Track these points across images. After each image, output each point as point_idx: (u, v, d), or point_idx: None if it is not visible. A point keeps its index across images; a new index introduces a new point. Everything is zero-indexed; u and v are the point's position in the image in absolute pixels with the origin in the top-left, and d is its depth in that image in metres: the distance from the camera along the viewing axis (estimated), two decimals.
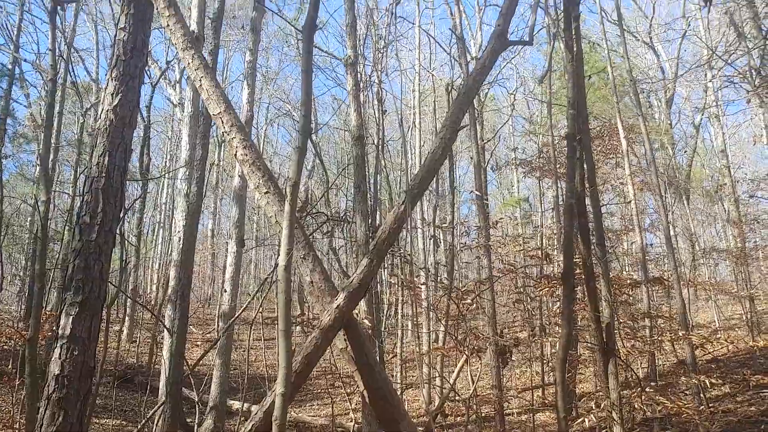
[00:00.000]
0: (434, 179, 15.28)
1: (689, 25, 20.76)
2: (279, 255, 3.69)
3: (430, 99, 23.89)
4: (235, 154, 3.90)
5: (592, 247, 6.91)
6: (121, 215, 5.58)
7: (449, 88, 16.73)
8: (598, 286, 7.20)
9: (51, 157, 15.03)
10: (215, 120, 3.96)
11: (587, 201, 6.92)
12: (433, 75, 22.44)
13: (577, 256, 7.37)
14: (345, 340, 3.86)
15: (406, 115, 25.23)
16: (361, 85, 11.65)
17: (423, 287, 14.34)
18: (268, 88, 26.88)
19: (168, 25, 4.08)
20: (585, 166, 6.42)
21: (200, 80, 3.94)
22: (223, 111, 3.89)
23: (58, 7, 7.45)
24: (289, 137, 32.68)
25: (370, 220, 9.62)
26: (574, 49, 5.75)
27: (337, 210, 19.13)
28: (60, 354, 4.64)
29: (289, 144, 32.97)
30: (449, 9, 15.98)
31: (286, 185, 3.72)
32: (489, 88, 21.44)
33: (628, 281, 10.72)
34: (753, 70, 13.64)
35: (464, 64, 13.83)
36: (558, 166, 13.81)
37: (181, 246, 10.09)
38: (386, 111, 16.09)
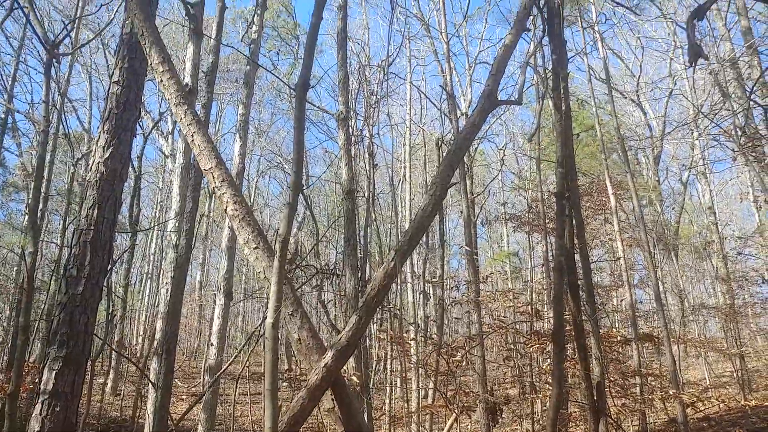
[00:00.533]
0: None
1: (675, 84, 21.19)
2: (267, 309, 3.65)
3: (420, 153, 24.12)
4: (226, 210, 3.88)
5: (582, 304, 6.89)
6: (109, 268, 5.53)
7: (439, 142, 16.90)
8: (589, 344, 7.16)
9: (40, 206, 14.97)
10: (206, 175, 3.96)
11: (577, 258, 6.93)
12: (423, 130, 22.71)
13: (567, 313, 7.34)
14: (332, 399, 3.78)
15: (396, 169, 25.42)
16: (353, 139, 11.75)
17: (412, 342, 14.21)
18: (260, 140, 27.08)
19: (162, 81, 4.12)
20: (574, 223, 6.45)
21: (192, 135, 3.95)
22: (215, 166, 3.89)
23: (54, 60, 7.51)
24: (280, 189, 32.81)
25: (359, 274, 9.57)
26: (563, 108, 5.83)
27: (327, 262, 19.07)
28: (41, 410, 4.54)
29: (279, 196, 33.07)
30: (440, 66, 16.27)
31: (276, 240, 3.70)
32: (479, 143, 21.70)
33: (619, 338, 10.67)
34: (738, 129, 13.86)
35: (454, 119, 14.00)
36: (547, 221, 13.88)
37: (168, 298, 9.98)
38: (377, 164, 16.21)
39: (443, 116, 18.74)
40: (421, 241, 22.16)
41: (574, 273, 6.55)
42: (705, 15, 6.20)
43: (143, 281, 28.57)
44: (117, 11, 10.89)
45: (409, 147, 22.16)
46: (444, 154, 15.94)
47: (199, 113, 9.61)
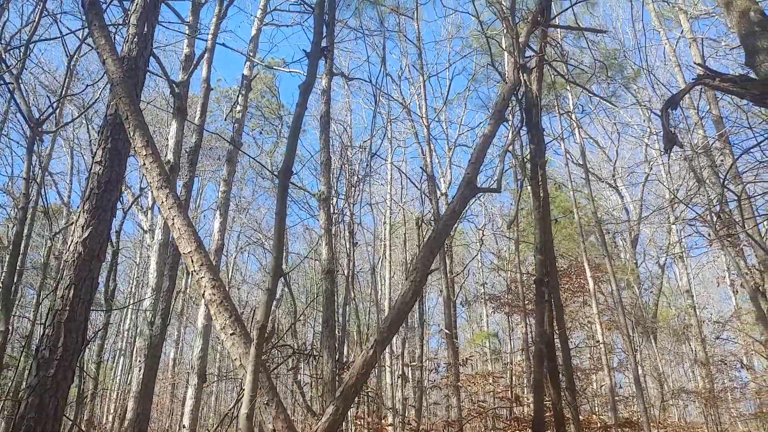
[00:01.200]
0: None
1: (651, 169, 21.66)
2: (242, 396, 3.56)
3: (400, 231, 24.23)
4: (203, 294, 3.84)
5: (562, 390, 6.82)
6: (83, 348, 5.41)
7: (419, 222, 17.01)
8: (569, 431, 7.05)
9: (14, 280, 14.72)
10: (185, 258, 3.93)
11: (557, 341, 6.90)
12: (403, 209, 22.87)
13: (547, 399, 7.26)
14: None
15: (376, 247, 25.45)
16: (334, 219, 11.80)
17: (390, 428, 13.88)
18: (240, 216, 27.11)
19: (144, 164, 4.14)
20: (553, 308, 6.45)
21: (173, 219, 3.95)
22: (194, 250, 3.87)
23: (37, 138, 7.55)
24: (259, 265, 32.59)
25: (337, 356, 9.43)
26: (541, 195, 5.92)
27: (304, 342, 18.80)
28: None
29: (258, 272, 32.81)
30: (420, 148, 16.55)
31: (253, 326, 3.65)
32: (459, 223, 21.85)
33: (599, 424, 10.54)
34: (713, 215, 14.11)
35: (434, 200, 14.15)
36: (526, 302, 13.88)
37: (141, 378, 9.74)
38: (357, 243, 16.22)
39: (423, 196, 18.94)
40: None
41: (554, 359, 6.51)
42: (678, 104, 6.41)
43: (116, 358, 27.91)
44: (103, 90, 11.00)
45: (390, 226, 22.28)
46: (424, 233, 16.05)
47: (180, 192, 9.64)
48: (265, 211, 29.72)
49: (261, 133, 22.85)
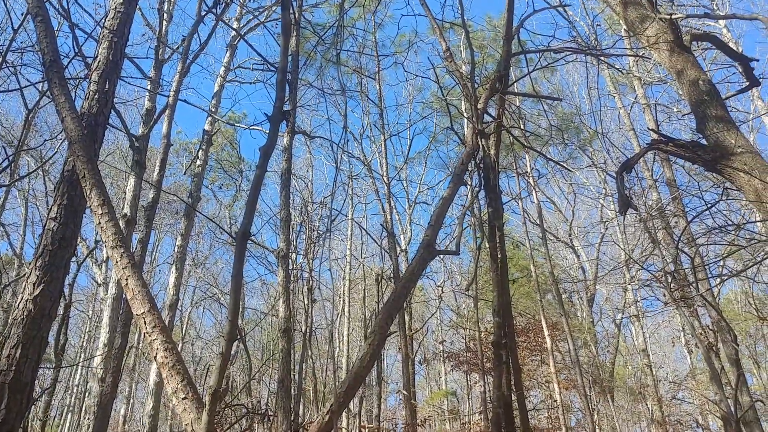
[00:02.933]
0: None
1: (607, 229, 22.08)
2: None
3: (359, 287, 24.14)
4: (155, 357, 3.76)
5: None
6: (28, 410, 5.22)
7: (379, 278, 16.99)
8: None
9: None
10: (138, 319, 3.86)
11: (515, 404, 6.88)
12: (363, 264, 22.85)
13: None
14: None
15: (335, 302, 25.26)
16: (293, 276, 11.72)
17: None
18: (197, 270, 26.70)
19: (100, 223, 4.09)
20: (512, 370, 6.45)
21: (127, 279, 3.89)
22: (147, 311, 3.81)
23: None
24: (214, 320, 32.01)
25: (292, 416, 9.24)
26: (499, 257, 5.99)
27: (259, 401, 18.41)
28: None
29: (213, 327, 32.19)
30: (381, 205, 16.66)
31: (206, 391, 3.58)
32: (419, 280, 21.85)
33: None
34: (668, 275, 14.39)
35: (394, 257, 14.18)
36: (485, 361, 13.86)
37: None
38: (316, 300, 16.10)
39: (383, 252, 18.98)
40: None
41: (512, 422, 6.48)
42: (633, 167, 6.60)
43: (63, 414, 26.86)
44: (62, 144, 10.89)
45: (349, 281, 22.22)
46: (383, 289, 16.02)
47: (135, 247, 9.51)
48: (222, 266, 29.37)
49: (221, 187, 22.77)
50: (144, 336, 4.05)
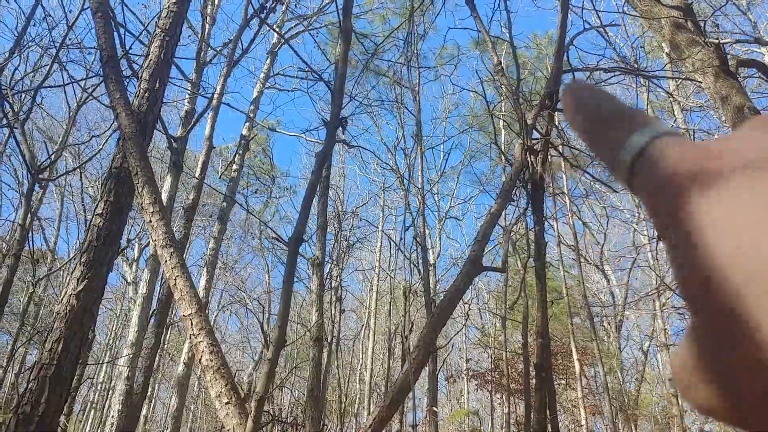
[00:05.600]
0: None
1: (638, 254, 21.76)
2: None
3: (385, 299, 24.04)
4: (200, 359, 3.71)
5: None
6: (66, 404, 5.21)
7: (407, 292, 16.87)
8: None
9: None
10: (184, 320, 3.82)
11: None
12: (391, 277, 22.74)
13: None
14: None
15: (360, 314, 25.19)
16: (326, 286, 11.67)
17: None
18: (226, 274, 26.81)
19: (150, 221, 4.07)
20: (546, 394, 6.33)
21: (175, 279, 3.85)
22: (194, 313, 3.77)
23: (38, 184, 7.47)
24: (239, 325, 32.09)
25: (320, 427, 9.15)
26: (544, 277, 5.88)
27: (281, 408, 18.36)
28: None
29: (238, 331, 32.29)
30: (412, 218, 16.55)
31: (252, 397, 3.53)
32: None
33: None
34: None
35: (425, 270, 14.07)
36: (510, 381, 13.68)
37: None
38: (345, 310, 16.04)
39: (411, 266, 18.88)
40: (379, 391, 21.56)
41: None
42: None
43: (87, 410, 27.06)
44: (107, 142, 11.01)
45: (376, 294, 22.12)
46: (410, 303, 15.89)
47: None
48: (251, 270, 29.47)
49: (255, 192, 22.84)
50: (190, 337, 4.01)
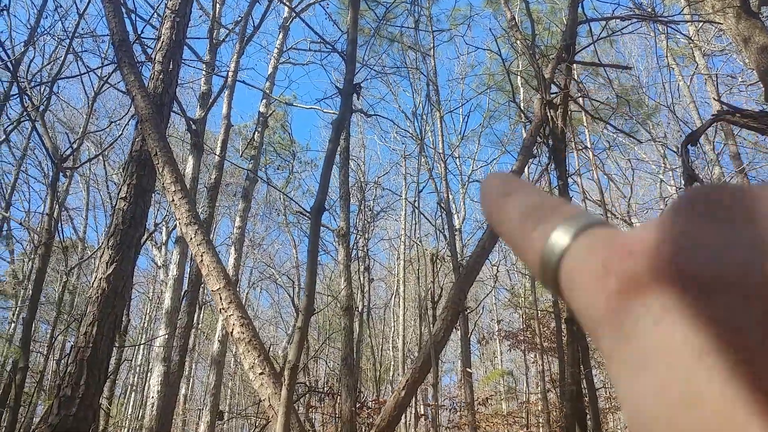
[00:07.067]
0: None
1: (666, 205, 21.48)
2: None
3: (413, 267, 24.09)
4: (231, 333, 3.76)
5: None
6: (104, 384, 5.33)
7: (434, 258, 16.90)
8: None
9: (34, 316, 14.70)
10: (213, 296, 3.87)
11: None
12: (418, 244, 22.77)
13: None
14: None
15: (389, 282, 25.29)
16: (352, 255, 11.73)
17: None
18: (254, 252, 27.05)
19: (173, 200, 4.10)
20: (579, 348, 6.33)
21: (202, 256, 3.89)
22: (223, 287, 3.81)
23: (61, 174, 7.56)
24: (271, 300, 32.46)
25: (356, 395, 9.26)
26: None
27: (317, 380, 18.60)
28: None
29: (270, 307, 32.69)
30: (434, 184, 16.51)
31: (285, 367, 3.57)
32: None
33: None
34: None
35: (451, 235, 14.06)
36: (543, 339, 13.67)
37: (154, 413, 9.63)
38: (373, 279, 16.13)
39: (437, 232, 18.86)
40: (412, 358, 21.72)
41: (581, 400, 6.37)
42: (698, 140, 6.36)
43: (128, 393, 27.67)
44: (125, 127, 11.09)
45: (404, 262, 22.18)
46: (438, 269, 15.93)
47: None
48: (278, 247, 29.71)
49: (276, 169, 22.91)
50: (220, 311, 4.07)
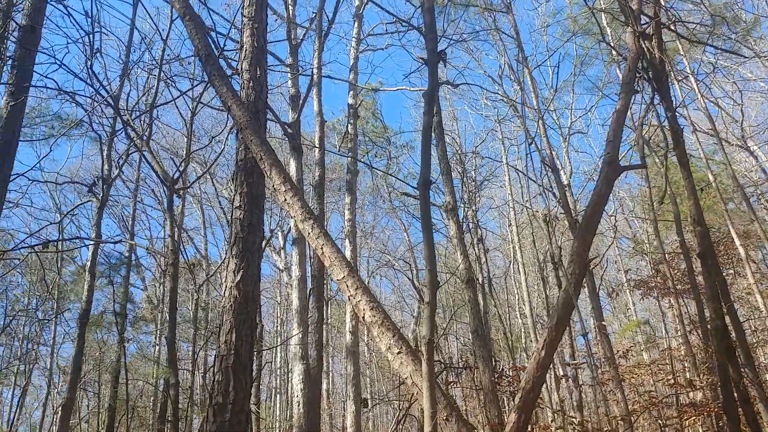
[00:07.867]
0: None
1: None
2: (403, 417, 3.51)
3: (526, 232, 23.72)
4: (363, 317, 3.83)
5: (741, 368, 6.35)
6: (251, 389, 5.55)
7: (547, 218, 16.54)
8: (758, 411, 6.56)
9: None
10: (339, 284, 3.95)
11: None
12: (527, 207, 22.37)
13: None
14: None
15: (505, 250, 25.01)
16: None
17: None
18: (367, 241, 27.45)
19: (285, 199, 4.21)
20: (717, 282, 6.03)
21: (322, 248, 3.98)
22: (347, 275, 3.88)
23: (175, 195, 7.93)
24: (391, 286, 32.83)
25: (493, 364, 9.24)
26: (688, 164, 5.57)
27: (450, 356, 18.68)
28: None
29: (392, 293, 33.11)
30: (535, 144, 16.11)
31: (422, 343, 3.60)
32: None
33: None
34: None
35: (561, 191, 13.71)
36: (675, 282, 13.13)
37: (301, 411, 9.96)
38: (488, 249, 15.99)
39: (545, 192, 18.48)
40: (542, 323, 21.42)
41: (728, 336, 6.08)
42: None
43: (273, 396, 28.83)
44: (226, 142, 11.50)
45: (516, 227, 21.87)
46: (552, 229, 15.60)
47: None
48: (390, 233, 29.99)
49: (374, 157, 23.08)
50: (348, 299, 4.15)
